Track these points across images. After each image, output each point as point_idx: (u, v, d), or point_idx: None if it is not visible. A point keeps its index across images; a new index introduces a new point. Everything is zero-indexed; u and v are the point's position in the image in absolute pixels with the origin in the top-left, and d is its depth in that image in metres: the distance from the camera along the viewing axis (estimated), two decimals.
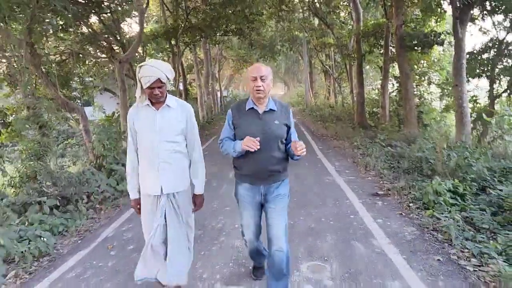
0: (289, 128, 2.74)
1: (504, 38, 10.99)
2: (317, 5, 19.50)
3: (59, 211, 5.72)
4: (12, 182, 6.94)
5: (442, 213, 4.67)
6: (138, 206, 2.82)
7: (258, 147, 2.46)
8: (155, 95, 2.59)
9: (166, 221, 2.73)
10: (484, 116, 10.28)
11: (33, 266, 4.15)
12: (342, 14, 20.40)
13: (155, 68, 2.52)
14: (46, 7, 7.63)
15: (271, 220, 2.72)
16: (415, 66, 15.24)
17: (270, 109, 2.69)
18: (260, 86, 2.56)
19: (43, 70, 8.14)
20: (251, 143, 2.46)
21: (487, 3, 8.22)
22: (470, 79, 13.05)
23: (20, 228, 4.85)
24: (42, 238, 4.69)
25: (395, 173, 6.94)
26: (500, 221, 4.49)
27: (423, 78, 15.81)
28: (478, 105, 12.34)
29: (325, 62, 26.04)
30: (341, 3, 19.00)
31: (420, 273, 3.33)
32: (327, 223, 4.67)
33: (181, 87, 18.74)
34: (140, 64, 2.59)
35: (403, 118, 12.54)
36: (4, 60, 6.89)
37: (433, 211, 4.78)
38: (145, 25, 15.46)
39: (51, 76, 8.77)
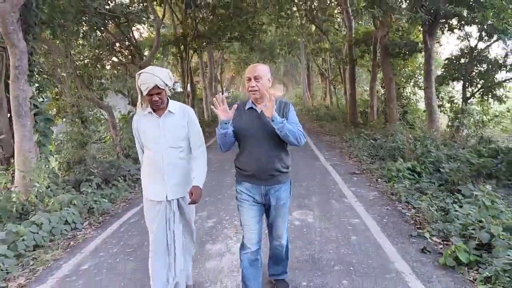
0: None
1: (475, 46, 12.58)
2: (314, 12, 21.08)
3: (104, 187, 7.30)
4: (61, 167, 8.50)
5: (400, 184, 6.25)
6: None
7: (223, 96, 2.55)
8: (155, 101, 2.65)
9: (169, 226, 2.80)
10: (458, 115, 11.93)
11: (100, 219, 5.74)
12: (338, 20, 21.99)
13: (152, 75, 2.59)
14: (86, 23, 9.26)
15: (274, 223, 2.86)
16: (402, 71, 16.84)
17: None
18: (254, 86, 2.58)
19: (77, 74, 9.70)
20: (217, 103, 2.53)
21: (452, 19, 9.75)
22: (450, 82, 14.72)
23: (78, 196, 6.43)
24: (99, 202, 6.27)
25: (372, 159, 8.54)
26: (442, 189, 6.08)
27: (409, 81, 17.40)
28: (455, 105, 13.94)
29: (321, 65, 27.64)
30: (336, 12, 20.57)
31: (372, 216, 4.93)
32: (313, 190, 6.27)
33: (188, 88, 20.28)
34: (139, 72, 2.67)
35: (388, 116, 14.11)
36: (53, 67, 8.39)
37: (393, 183, 6.37)
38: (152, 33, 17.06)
39: (84, 78, 10.32)
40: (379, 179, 6.86)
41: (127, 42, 13.05)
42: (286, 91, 65.34)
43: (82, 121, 8.89)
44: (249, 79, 2.59)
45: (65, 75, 8.84)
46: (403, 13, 8.96)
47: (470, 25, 10.29)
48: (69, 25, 8.87)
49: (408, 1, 8.89)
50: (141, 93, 2.70)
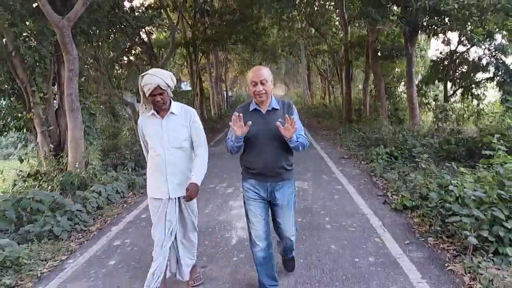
0: None
1: (455, 49, 14.12)
2: (314, 16, 22.56)
3: (138, 169, 8.85)
4: (95, 154, 10.07)
5: (377, 164, 7.80)
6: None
7: (238, 115, 2.61)
8: (157, 102, 2.75)
9: (170, 224, 2.89)
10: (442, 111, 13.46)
11: (140, 190, 7.30)
12: (336, 24, 23.49)
13: (154, 76, 2.69)
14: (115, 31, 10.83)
15: (280, 219, 2.92)
16: (393, 71, 18.40)
17: (273, 108, 2.79)
18: (261, 91, 2.67)
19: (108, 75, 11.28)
20: (234, 119, 2.62)
21: (430, 28, 11.24)
22: (435, 82, 16.30)
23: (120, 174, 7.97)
24: (136, 179, 7.82)
25: (360, 147, 10.11)
26: (410, 168, 7.63)
27: (400, 81, 18.96)
28: (438, 103, 15.48)
29: (320, 66, 29.19)
30: (334, 16, 22.09)
31: (352, 184, 6.52)
32: (309, 169, 7.84)
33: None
34: (142, 74, 2.78)
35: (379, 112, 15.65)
36: (89, 70, 9.91)
37: (373, 164, 7.92)
38: (162, 34, 18.60)
39: (111, 79, 11.90)
40: (362, 162, 8.44)
41: (145, 47, 14.63)
42: (288, 90, 66.80)
43: (113, 116, 10.46)
44: (255, 84, 2.68)
45: (98, 75, 10.41)
46: (385, 24, 10.47)
47: (446, 33, 11.78)
48: (102, 34, 10.44)
49: (391, 13, 10.39)
50: (144, 94, 2.80)
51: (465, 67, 14.66)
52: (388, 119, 14.33)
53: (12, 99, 9.39)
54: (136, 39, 13.84)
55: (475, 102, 14.99)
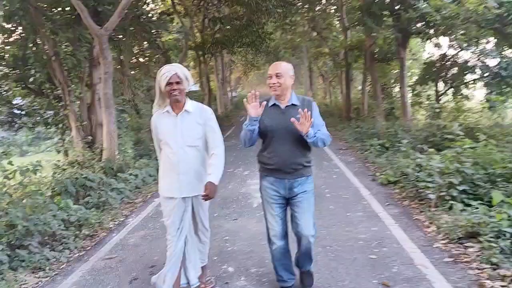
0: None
1: (444, 53, 15.39)
2: (315, 20, 23.85)
3: None
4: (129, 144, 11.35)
5: (370, 153, 9.06)
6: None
7: (257, 93, 2.60)
8: (173, 91, 2.68)
9: (183, 223, 2.86)
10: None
11: None
12: (336, 27, 24.77)
13: (173, 66, 2.76)
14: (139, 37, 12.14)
15: (298, 216, 2.79)
16: (390, 73, 19.65)
17: (292, 104, 2.76)
18: (275, 83, 2.66)
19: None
20: (250, 96, 2.62)
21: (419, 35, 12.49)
22: (429, 82, 17.54)
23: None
24: None
25: (356, 141, 11.37)
26: (398, 156, 8.89)
27: (396, 82, 20.19)
28: (431, 101, 16.75)
29: (321, 68, 30.46)
30: (335, 21, 23.38)
31: (348, 168, 7.80)
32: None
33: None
34: (160, 69, 2.78)
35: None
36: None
37: (367, 153, 9.18)
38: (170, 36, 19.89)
39: (131, 81, 13.21)
40: (358, 152, 9.73)
41: (160, 50, 15.95)
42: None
43: (137, 112, 11.76)
44: (270, 76, 2.69)
45: (123, 77, 11.72)
46: (379, 31, 11.74)
47: (438, 38, 13.03)
48: (127, 40, 11.76)
49: (384, 22, 11.66)
50: (160, 90, 2.77)
51: (455, 69, 15.91)
52: (384, 117, 15.57)
53: (50, 98, 10.68)
54: (153, 43, 15.16)
55: (466, 101, 16.27)
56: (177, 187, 2.81)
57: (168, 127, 2.81)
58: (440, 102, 16.72)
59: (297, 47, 31.38)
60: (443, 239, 4.02)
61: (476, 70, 14.45)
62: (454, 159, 5.35)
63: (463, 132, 6.84)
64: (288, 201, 2.87)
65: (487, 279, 3.15)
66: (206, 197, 2.66)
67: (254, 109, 2.60)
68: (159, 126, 2.86)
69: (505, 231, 3.61)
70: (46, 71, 10.31)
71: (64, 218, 5.07)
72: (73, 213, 5.37)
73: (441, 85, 17.15)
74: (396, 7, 11.01)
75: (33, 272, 3.99)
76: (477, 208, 4.29)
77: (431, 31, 10.32)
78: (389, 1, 11.37)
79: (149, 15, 13.82)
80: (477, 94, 16.27)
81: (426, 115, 15.78)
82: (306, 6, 20.85)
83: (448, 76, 16.28)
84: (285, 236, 2.91)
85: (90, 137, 9.95)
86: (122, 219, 5.66)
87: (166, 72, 2.67)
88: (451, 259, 3.56)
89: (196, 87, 25.88)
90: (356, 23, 13.46)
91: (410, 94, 20.25)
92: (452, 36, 11.11)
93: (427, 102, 17.10)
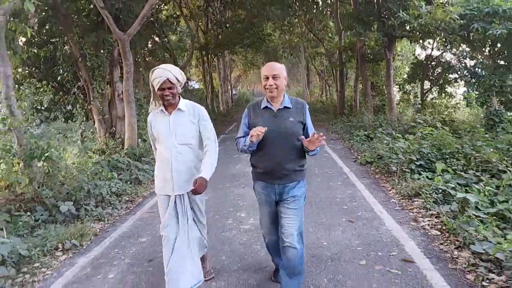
0: (305, 125, 2.74)
1: (430, 55, 16.82)
2: (312, 21, 25.24)
3: None
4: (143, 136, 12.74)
5: (356, 142, 10.49)
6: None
7: (263, 131, 2.49)
8: (166, 96, 2.76)
9: (179, 220, 2.89)
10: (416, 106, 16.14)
11: None
12: (332, 29, 26.18)
13: (165, 70, 2.74)
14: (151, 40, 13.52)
15: (284, 221, 2.71)
16: (380, 72, 21.06)
17: (285, 107, 2.71)
18: (272, 85, 2.61)
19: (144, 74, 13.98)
20: (257, 131, 2.48)
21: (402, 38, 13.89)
22: (416, 81, 18.93)
23: None
24: None
25: (346, 133, 12.81)
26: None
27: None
28: (416, 98, 18.20)
29: (318, 67, 31.89)
30: (330, 23, 24.78)
31: (336, 153, 9.24)
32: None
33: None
34: (152, 69, 2.81)
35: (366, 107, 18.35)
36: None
37: (352, 141, 10.62)
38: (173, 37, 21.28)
39: (145, 79, 14.59)
40: (346, 141, 11.17)
41: (168, 51, 17.33)
42: (288, 88, 69.42)
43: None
44: (267, 78, 2.62)
45: (138, 76, 13.10)
46: (367, 36, 13.17)
47: (424, 40, 14.46)
48: (141, 42, 13.14)
49: (371, 27, 13.09)
50: (154, 89, 2.81)
51: (439, 68, 17.34)
52: (374, 112, 16.98)
53: (76, 94, 12.08)
54: (161, 44, 16.57)
55: (449, 98, 17.73)
56: (171, 185, 2.84)
57: (162, 125, 2.86)
58: (428, 99, 18.19)
59: (295, 47, 32.79)
60: (398, 197, 5.47)
61: (456, 70, 15.86)
62: (415, 142, 6.80)
63: (435, 123, 8.26)
64: (277, 204, 2.84)
65: (421, 217, 4.60)
66: (194, 191, 2.68)
67: (256, 137, 2.52)
68: (154, 124, 2.92)
69: (440, 188, 5.06)
70: (72, 70, 11.70)
71: (108, 188, 6.50)
72: (113, 185, 6.79)
73: (428, 84, 18.62)
74: (382, 14, 12.40)
75: (94, 222, 5.40)
76: (427, 176, 5.74)
77: (411, 36, 11.70)
78: (375, 9, 12.76)
79: (159, 18, 15.17)
80: (459, 92, 17.71)
81: (413, 111, 17.27)
82: (304, 8, 22.21)
83: (434, 75, 17.72)
84: (276, 232, 2.90)
85: (114, 128, 11.35)
86: (152, 191, 7.08)
87: (158, 77, 2.72)
88: (400, 208, 5.02)
89: (198, 85, 27.30)
90: (347, 28, 14.83)
91: (400, 92, 21.87)
92: (431, 40, 12.48)
93: (413, 99, 18.54)
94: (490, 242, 3.47)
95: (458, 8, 8.87)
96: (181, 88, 2.91)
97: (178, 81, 2.80)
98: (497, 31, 8.16)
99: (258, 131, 2.48)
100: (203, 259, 3.22)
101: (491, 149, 5.92)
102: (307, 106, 2.82)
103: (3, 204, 5.64)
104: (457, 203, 4.31)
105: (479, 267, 3.25)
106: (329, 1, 21.69)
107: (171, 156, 2.82)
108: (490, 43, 9.44)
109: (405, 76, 21.56)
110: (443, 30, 9.33)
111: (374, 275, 3.28)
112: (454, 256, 3.53)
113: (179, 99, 2.89)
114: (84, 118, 12.47)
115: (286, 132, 2.63)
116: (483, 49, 10.35)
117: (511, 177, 4.67)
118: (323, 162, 8.26)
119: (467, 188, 4.85)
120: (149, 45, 17.39)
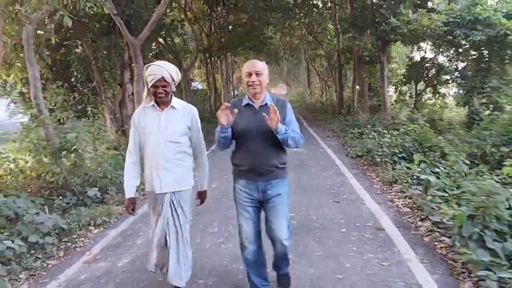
0: (285, 121, 2.73)
1: (423, 57, 17.61)
2: (312, 24, 26.04)
3: None
4: None
5: (349, 139, 11.29)
6: (131, 206, 2.89)
7: (228, 104, 2.55)
8: (159, 93, 2.73)
9: (164, 218, 2.85)
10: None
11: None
12: (331, 32, 26.99)
13: (160, 67, 2.70)
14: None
15: (272, 220, 2.75)
16: (377, 74, 21.85)
17: (266, 104, 2.70)
18: (255, 81, 2.61)
19: None
20: (222, 108, 2.54)
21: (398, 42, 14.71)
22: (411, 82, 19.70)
23: None
24: None
25: (341, 131, 13.62)
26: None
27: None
28: (411, 99, 19.00)
29: (318, 68, 32.72)
30: (329, 26, 25.60)
31: (331, 149, 10.07)
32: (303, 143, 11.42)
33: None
34: (148, 65, 2.79)
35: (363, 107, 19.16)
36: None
37: (347, 139, 11.43)
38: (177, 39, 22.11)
39: None
40: (341, 139, 12.00)
41: (173, 53, 18.17)
42: (289, 89, 70.21)
43: None
44: (250, 74, 2.63)
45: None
46: (362, 40, 14.01)
47: (414, 44, 15.28)
48: (149, 45, 13.99)
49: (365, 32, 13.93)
50: (147, 85, 2.78)
51: (433, 70, 18.13)
52: (370, 112, 17.78)
53: (89, 94, 12.92)
54: (168, 47, 17.42)
55: (442, 98, 18.53)
56: (158, 182, 2.80)
57: (152, 121, 2.82)
58: (423, 99, 18.99)
59: (295, 48, 33.61)
60: (380, 184, 6.31)
61: (447, 72, 16.65)
62: (399, 137, 7.63)
63: (420, 121, 9.06)
64: (262, 204, 2.82)
65: (397, 198, 5.43)
66: (200, 203, 3.12)
67: (225, 117, 2.56)
68: (143, 119, 2.86)
69: (415, 175, 5.88)
70: (85, 72, 12.55)
71: None
72: None
73: (423, 85, 19.41)
74: (376, 20, 13.22)
75: (117, 206, 6.22)
76: (406, 166, 6.57)
77: (403, 40, 12.52)
78: (370, 15, 13.57)
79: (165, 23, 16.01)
80: (452, 92, 18.48)
81: (407, 110, 18.06)
82: (304, 11, 23.01)
83: (428, 76, 18.51)
84: (257, 239, 2.85)
85: (126, 126, 12.19)
86: None
87: (153, 74, 2.70)
88: (381, 192, 5.86)
89: (201, 86, 28.16)
90: (343, 32, 15.69)
91: (397, 93, 22.64)
92: (425, 44, 13.31)
93: (409, 99, 19.35)
94: (447, 214, 4.29)
95: (442, 15, 9.69)
96: (175, 87, 2.90)
97: (173, 80, 2.79)
98: (477, 37, 8.98)
99: (226, 113, 2.55)
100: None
101: (462, 143, 6.76)
102: (289, 104, 2.86)
103: (37, 190, 6.50)
104: (421, 184, 5.12)
105: (435, 232, 4.08)
106: (328, 5, 22.46)
107: (161, 154, 2.78)
108: (473, 48, 10.24)
109: (401, 77, 22.43)
110: (429, 36, 10.14)
111: (351, 239, 4.11)
112: (418, 226, 4.37)
113: (171, 97, 2.87)
114: (98, 116, 13.33)
115: (267, 129, 2.60)
116: (467, 53, 11.16)
117: (463, 167, 5.46)
118: (318, 156, 9.09)
119: (438, 175, 5.67)
120: (155, 48, 18.27)
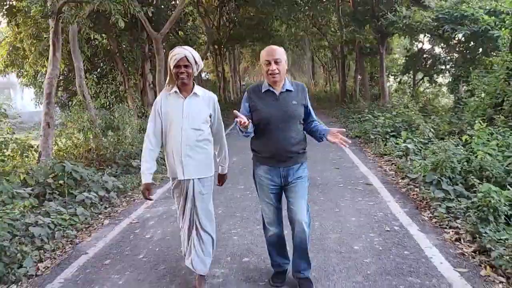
0: (306, 107, 2.79)
1: (421, 48, 18.75)
2: (316, 17, 27.06)
3: None
4: None
5: (351, 123, 12.55)
6: (147, 191, 2.90)
7: (238, 113, 2.48)
8: (181, 74, 2.73)
9: (188, 205, 2.89)
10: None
11: None
12: (334, 23, 28.03)
13: (183, 48, 2.78)
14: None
15: (292, 201, 2.76)
16: (377, 64, 22.99)
17: (287, 90, 2.70)
18: (274, 70, 2.57)
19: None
20: (239, 118, 2.45)
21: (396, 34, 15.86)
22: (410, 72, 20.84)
23: None
24: None
25: (343, 117, 14.89)
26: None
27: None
28: (410, 88, 20.17)
29: (322, 59, 33.84)
30: (332, 18, 26.66)
31: None
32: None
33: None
34: (172, 50, 2.83)
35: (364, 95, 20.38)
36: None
37: (348, 123, 12.69)
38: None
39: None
40: (342, 123, 13.26)
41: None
42: (293, 79, 71.18)
43: None
44: (269, 63, 2.58)
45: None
46: (362, 33, 15.21)
47: (410, 37, 16.43)
48: (167, 39, 15.26)
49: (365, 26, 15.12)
50: (170, 70, 2.81)
51: (430, 61, 19.27)
52: (371, 100, 18.98)
53: (114, 83, 14.25)
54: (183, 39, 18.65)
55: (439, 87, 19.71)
56: (180, 168, 2.82)
57: (174, 108, 2.82)
58: (421, 88, 20.17)
59: (300, 39, 34.66)
60: (373, 156, 7.62)
61: (442, 62, 17.79)
62: (391, 119, 8.92)
63: (411, 106, 10.33)
64: (282, 188, 2.84)
65: (385, 165, 6.75)
66: (220, 185, 3.24)
67: (243, 125, 2.47)
68: (165, 104, 2.86)
69: (401, 148, 7.17)
70: (111, 63, 13.86)
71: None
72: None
73: (421, 74, 20.56)
74: (376, 14, 14.40)
75: (157, 174, 7.54)
76: (395, 142, 7.87)
77: (400, 33, 13.71)
78: (370, 9, 14.75)
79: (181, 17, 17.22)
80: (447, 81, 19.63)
81: (407, 98, 19.25)
82: (309, 4, 24.04)
83: (425, 66, 19.65)
84: (280, 224, 2.92)
85: (148, 111, 13.51)
86: None
87: (176, 54, 2.72)
88: (372, 162, 7.18)
89: (209, 76, 29.41)
90: (344, 26, 16.87)
91: (396, 82, 23.79)
92: (422, 36, 14.49)
93: (408, 89, 20.52)
94: (417, 169, 5.58)
95: (433, 12, 10.89)
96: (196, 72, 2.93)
97: (196, 62, 2.79)
98: (462, 32, 10.18)
99: (241, 119, 2.44)
100: (202, 278, 3.05)
101: (442, 123, 8.05)
102: (306, 88, 2.89)
103: (89, 163, 7.85)
104: (401, 151, 6.45)
105: (410, 185, 5.40)
106: None
107: (183, 141, 2.78)
108: (459, 41, 11.43)
109: (401, 67, 23.54)
110: (422, 30, 11.34)
111: (346, 190, 5.44)
112: (398, 182, 5.68)
113: (193, 84, 2.89)
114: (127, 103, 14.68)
115: (289, 115, 2.64)
116: (455, 46, 12.36)
117: (430, 135, 6.77)
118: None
119: (415, 143, 6.97)
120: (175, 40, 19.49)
